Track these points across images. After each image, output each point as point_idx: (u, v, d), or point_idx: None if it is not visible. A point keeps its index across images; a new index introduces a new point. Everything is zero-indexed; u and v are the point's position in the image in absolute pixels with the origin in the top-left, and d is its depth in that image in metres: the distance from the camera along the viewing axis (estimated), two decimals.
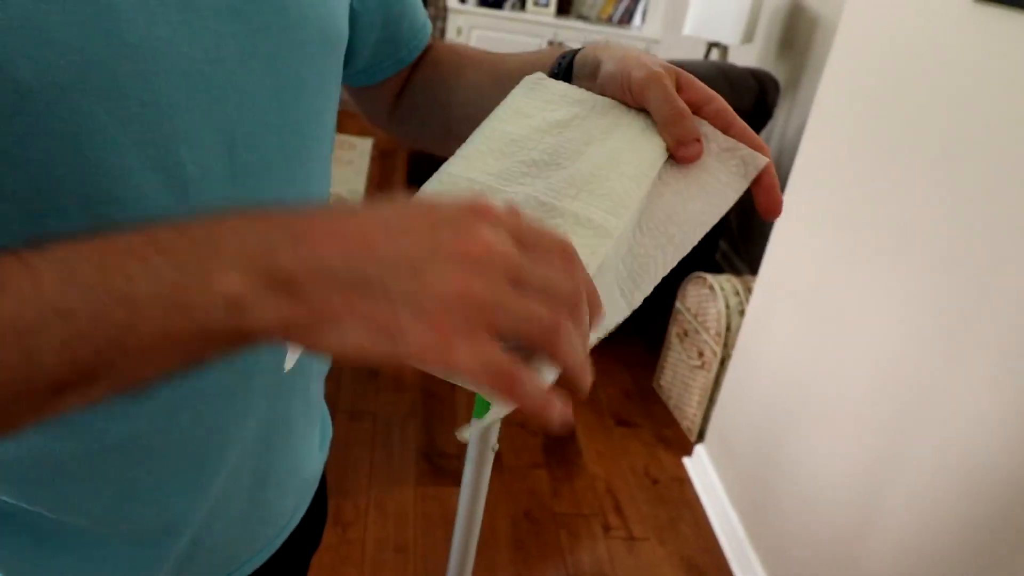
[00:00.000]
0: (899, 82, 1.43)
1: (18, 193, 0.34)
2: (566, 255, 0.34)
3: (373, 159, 3.97)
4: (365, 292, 0.30)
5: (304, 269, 0.31)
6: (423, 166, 2.77)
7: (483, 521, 2.01)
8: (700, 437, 2.21)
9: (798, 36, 2.89)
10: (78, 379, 0.30)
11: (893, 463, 1.35)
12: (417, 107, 0.66)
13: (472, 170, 0.46)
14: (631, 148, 0.48)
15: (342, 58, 0.49)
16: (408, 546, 1.76)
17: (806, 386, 1.63)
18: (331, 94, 0.48)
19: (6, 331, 0.29)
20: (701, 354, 2.19)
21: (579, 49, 0.54)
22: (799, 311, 1.69)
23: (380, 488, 1.90)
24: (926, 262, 1.31)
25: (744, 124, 0.49)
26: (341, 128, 4.18)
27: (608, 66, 0.50)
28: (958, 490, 1.20)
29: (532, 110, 0.50)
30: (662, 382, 2.41)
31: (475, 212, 0.33)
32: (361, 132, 4.24)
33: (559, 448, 2.15)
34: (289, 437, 0.57)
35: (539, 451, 2.13)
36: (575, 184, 0.45)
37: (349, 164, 3.79)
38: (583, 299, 0.33)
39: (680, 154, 0.47)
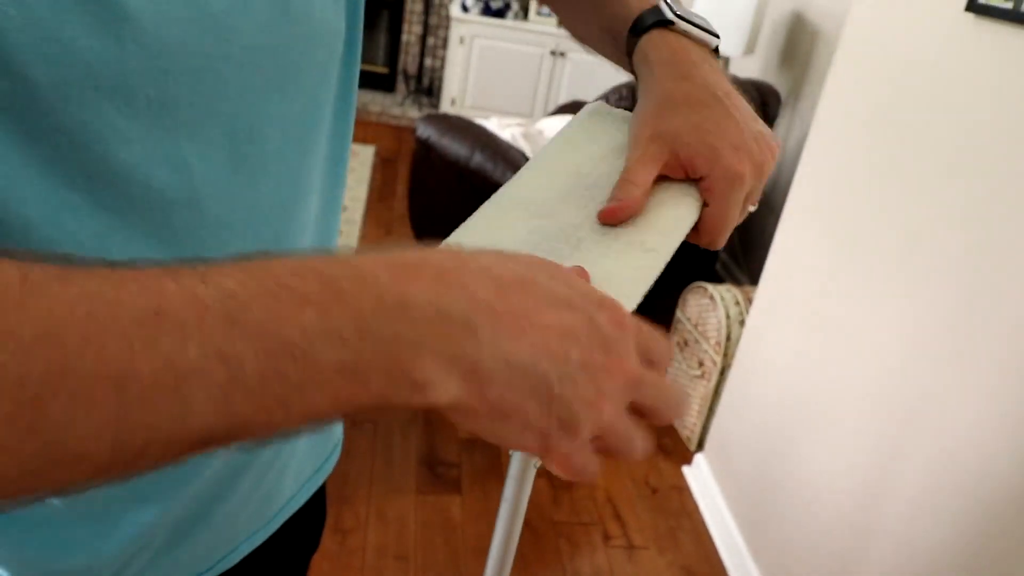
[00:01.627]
0: (899, 94, 1.44)
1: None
2: (665, 364, 0.37)
3: (375, 166, 3.98)
4: (538, 399, 0.32)
5: (492, 362, 0.31)
6: (425, 173, 2.78)
7: (483, 528, 2.02)
8: (700, 446, 2.21)
9: (800, 48, 2.91)
10: (226, 436, 0.27)
11: (892, 473, 1.35)
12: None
13: (537, 189, 0.48)
14: (672, 203, 0.50)
15: (340, 49, 0.49)
16: (408, 554, 1.76)
17: (805, 396, 1.64)
18: (331, 84, 0.48)
19: (161, 371, 0.25)
20: (701, 363, 2.20)
21: (646, 27, 0.53)
22: (799, 321, 1.70)
23: (380, 496, 1.91)
24: (925, 273, 1.32)
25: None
26: None
27: (637, 110, 0.51)
28: (957, 500, 1.20)
29: (594, 136, 0.52)
30: None
31: (620, 327, 0.35)
32: (363, 139, 4.26)
33: None
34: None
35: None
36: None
37: (351, 171, 3.80)
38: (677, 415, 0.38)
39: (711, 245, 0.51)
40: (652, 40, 0.53)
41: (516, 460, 0.51)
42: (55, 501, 0.43)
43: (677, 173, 0.49)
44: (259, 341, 0.26)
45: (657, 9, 0.53)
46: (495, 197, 0.48)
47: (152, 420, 0.25)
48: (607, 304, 0.35)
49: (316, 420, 0.29)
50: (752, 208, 0.52)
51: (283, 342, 0.27)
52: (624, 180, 0.48)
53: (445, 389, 0.30)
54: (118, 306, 0.25)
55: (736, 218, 0.50)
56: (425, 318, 0.30)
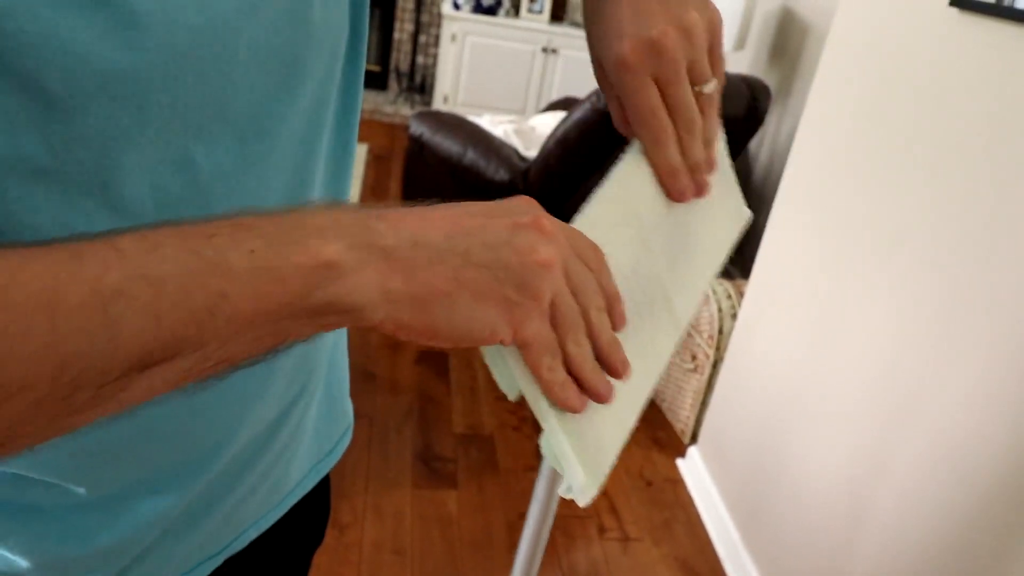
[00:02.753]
0: (888, 89, 1.45)
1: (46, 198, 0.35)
2: (599, 262, 0.40)
3: (368, 164, 3.98)
4: (473, 267, 0.34)
5: (405, 242, 0.33)
6: (418, 170, 2.79)
7: (478, 523, 2.03)
8: (693, 439, 2.23)
9: (789, 43, 2.93)
10: (163, 354, 0.28)
11: (883, 464, 1.37)
12: None
13: (593, 229, 0.46)
14: (709, 230, 0.50)
15: (344, 47, 0.49)
16: (405, 548, 1.77)
17: (798, 388, 1.65)
18: (335, 82, 0.49)
19: (87, 295, 0.27)
20: (694, 357, 2.22)
21: None
22: (790, 315, 1.72)
23: (377, 491, 1.92)
24: (915, 265, 1.34)
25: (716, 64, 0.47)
26: None
27: (593, 44, 0.48)
28: (947, 491, 1.22)
29: (642, 173, 0.49)
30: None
31: (533, 226, 0.37)
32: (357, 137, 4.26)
33: None
34: (305, 415, 0.58)
35: (534, 454, 2.15)
36: (672, 263, 0.49)
37: None
38: (616, 300, 0.40)
39: (670, 189, 0.48)
40: None
41: (548, 462, 0.51)
42: (74, 490, 0.44)
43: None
44: (176, 263, 0.29)
45: None
46: None
47: (85, 342, 0.26)
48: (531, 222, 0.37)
49: (247, 341, 0.30)
50: (706, 87, 0.47)
51: (199, 258, 0.29)
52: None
53: (363, 273, 0.32)
54: (44, 254, 0.27)
55: (646, 117, 0.46)
56: (324, 224, 0.32)
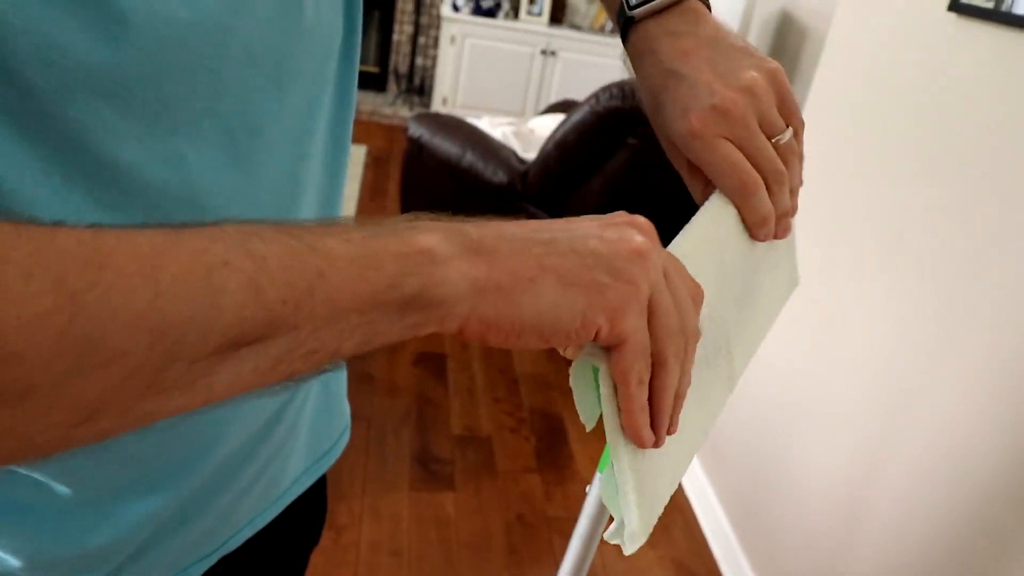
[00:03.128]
0: (886, 93, 1.46)
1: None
2: (697, 299, 0.39)
3: (367, 166, 3.99)
4: (560, 255, 0.34)
5: (490, 234, 0.33)
6: (417, 172, 2.79)
7: (476, 525, 2.03)
8: None
9: (788, 47, 2.93)
10: (258, 331, 0.28)
11: (880, 466, 1.37)
12: None
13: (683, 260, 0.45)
14: (770, 288, 0.50)
15: (338, 46, 0.49)
16: (403, 550, 1.77)
17: (795, 391, 1.66)
18: (328, 81, 0.49)
19: (191, 263, 0.26)
20: None
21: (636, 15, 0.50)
22: (788, 317, 1.72)
23: (374, 492, 1.92)
24: (913, 268, 1.34)
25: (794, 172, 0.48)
26: None
27: (660, 130, 0.49)
28: (944, 492, 1.22)
29: (728, 219, 0.48)
30: None
31: (626, 222, 0.37)
32: (355, 139, 4.26)
33: (551, 452, 2.17)
34: (301, 413, 0.58)
35: (532, 456, 2.15)
36: (739, 314, 0.48)
37: None
38: (696, 338, 0.39)
39: (757, 235, 0.48)
40: (636, 36, 0.51)
41: (593, 499, 0.50)
42: (64, 489, 0.44)
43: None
44: (277, 243, 0.29)
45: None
46: None
47: (186, 308, 0.26)
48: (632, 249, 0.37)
49: (341, 331, 0.30)
50: (782, 138, 0.48)
51: (298, 241, 0.29)
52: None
53: (456, 264, 0.32)
54: (145, 230, 0.27)
55: (730, 171, 0.46)
56: (419, 224, 0.33)
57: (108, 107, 0.34)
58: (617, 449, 0.37)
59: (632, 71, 0.54)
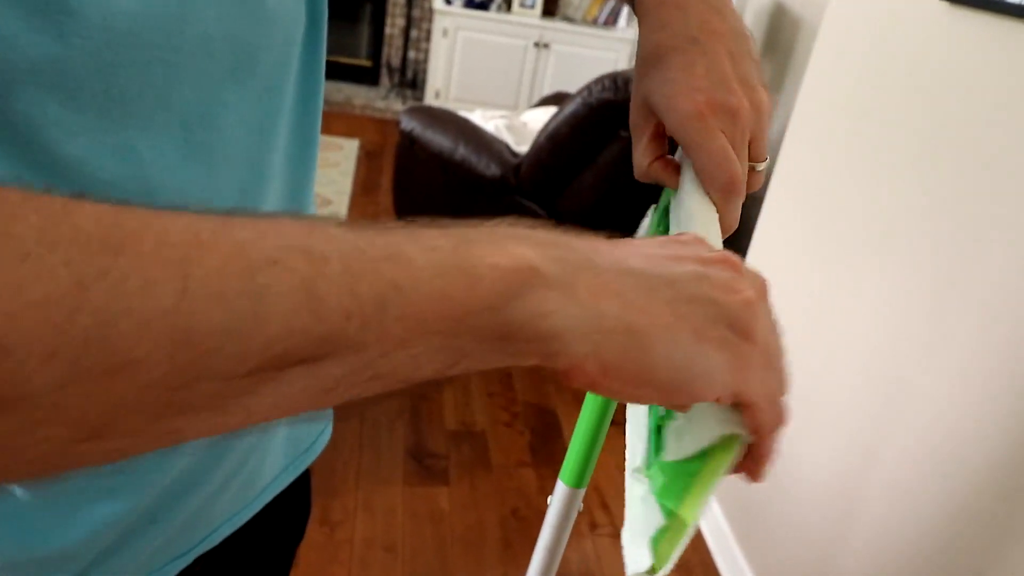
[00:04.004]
0: (879, 83, 1.45)
1: None
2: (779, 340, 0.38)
3: (359, 160, 3.97)
4: (678, 293, 0.30)
5: (611, 264, 0.29)
6: (410, 165, 2.77)
7: (470, 519, 2.02)
8: None
9: (781, 38, 2.93)
10: (312, 349, 0.23)
11: (874, 457, 1.37)
12: None
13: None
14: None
15: (300, 34, 0.47)
16: (396, 545, 1.77)
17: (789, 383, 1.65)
18: (291, 70, 0.47)
19: (233, 257, 0.22)
20: None
21: None
22: (782, 309, 1.71)
23: (368, 488, 1.91)
24: (906, 259, 1.33)
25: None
26: (327, 129, 4.18)
27: (654, 90, 0.46)
28: (936, 483, 1.22)
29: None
30: None
31: (723, 262, 0.35)
32: (347, 133, 4.24)
33: (546, 447, 2.16)
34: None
35: (526, 450, 2.14)
36: None
37: (335, 165, 3.79)
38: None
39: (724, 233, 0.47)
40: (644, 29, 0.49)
41: (558, 503, 0.49)
42: (20, 491, 0.43)
43: (665, 136, 0.48)
44: (343, 242, 0.24)
45: None
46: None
47: (221, 314, 0.21)
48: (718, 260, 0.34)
49: (413, 352, 0.25)
50: (759, 166, 0.48)
51: (370, 244, 0.24)
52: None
53: (570, 296, 0.27)
54: (184, 213, 0.23)
55: (725, 166, 0.45)
56: (514, 232, 0.29)
57: (56, 101, 0.32)
58: (700, 498, 0.34)
59: (636, 9, 0.50)
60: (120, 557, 0.49)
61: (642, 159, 0.49)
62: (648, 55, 0.47)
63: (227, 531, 0.58)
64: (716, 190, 0.45)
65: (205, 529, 0.56)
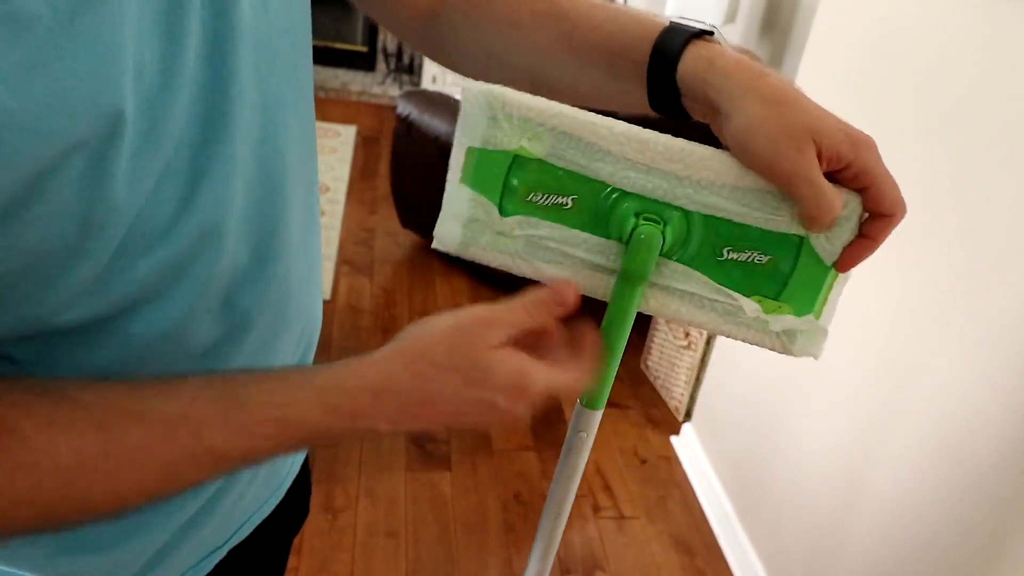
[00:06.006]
0: (878, 60, 1.43)
1: None
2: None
3: (357, 146, 3.95)
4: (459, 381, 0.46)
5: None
6: (407, 150, 2.76)
7: (473, 504, 2.02)
8: (688, 416, 2.22)
9: (780, 16, 2.90)
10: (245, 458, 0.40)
11: (879, 440, 1.36)
12: (461, 47, 0.58)
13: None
14: None
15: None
16: (399, 531, 1.77)
17: (791, 365, 1.64)
18: (292, 48, 0.47)
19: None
20: (687, 334, 2.21)
21: (685, 39, 0.47)
22: None
23: (370, 474, 1.91)
24: (910, 244, 1.32)
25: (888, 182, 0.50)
26: (324, 116, 4.16)
27: (742, 121, 0.45)
28: (940, 466, 1.21)
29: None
30: (649, 363, 2.42)
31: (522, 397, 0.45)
32: (344, 119, 4.22)
33: (548, 430, 2.16)
34: None
35: (528, 434, 2.14)
36: None
37: (333, 151, 3.77)
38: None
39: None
40: (704, 50, 0.47)
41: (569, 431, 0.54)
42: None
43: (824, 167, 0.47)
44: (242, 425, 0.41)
45: (678, 26, 0.49)
46: None
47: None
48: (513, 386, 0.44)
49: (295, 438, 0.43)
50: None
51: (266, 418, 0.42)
52: (815, 195, 0.46)
53: (394, 431, 0.45)
54: (104, 429, 0.38)
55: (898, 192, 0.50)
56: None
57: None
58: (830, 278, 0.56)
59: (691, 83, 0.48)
60: (167, 559, 0.52)
61: (835, 194, 0.49)
62: (776, 97, 0.45)
63: (257, 520, 0.60)
64: (886, 211, 0.51)
65: (238, 522, 0.58)
